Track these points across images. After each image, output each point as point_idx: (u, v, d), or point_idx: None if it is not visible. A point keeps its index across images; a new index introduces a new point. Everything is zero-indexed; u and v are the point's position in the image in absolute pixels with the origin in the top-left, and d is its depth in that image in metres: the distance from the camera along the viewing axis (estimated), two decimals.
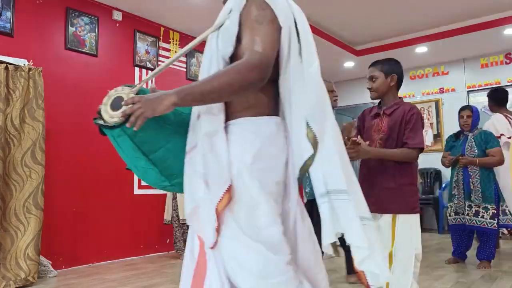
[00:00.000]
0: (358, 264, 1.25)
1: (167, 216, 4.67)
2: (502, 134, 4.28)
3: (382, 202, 2.21)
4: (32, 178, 3.52)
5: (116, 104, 1.19)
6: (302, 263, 1.28)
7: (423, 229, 6.74)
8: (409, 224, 2.21)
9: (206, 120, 1.26)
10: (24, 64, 3.65)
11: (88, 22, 4.52)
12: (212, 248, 1.22)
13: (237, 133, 1.27)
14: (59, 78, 4.18)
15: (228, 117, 1.29)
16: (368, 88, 2.39)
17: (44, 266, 3.74)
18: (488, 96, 4.72)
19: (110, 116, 1.18)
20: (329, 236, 1.24)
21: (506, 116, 4.45)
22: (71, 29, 4.36)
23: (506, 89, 6.59)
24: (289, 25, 1.28)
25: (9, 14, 3.89)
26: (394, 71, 2.34)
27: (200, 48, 6.57)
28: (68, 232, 4.14)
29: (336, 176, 1.25)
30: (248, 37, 1.22)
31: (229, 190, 1.19)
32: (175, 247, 4.67)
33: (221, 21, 1.31)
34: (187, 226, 4.65)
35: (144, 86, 1.33)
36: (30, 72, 3.63)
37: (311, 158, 1.25)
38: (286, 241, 1.22)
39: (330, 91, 3.36)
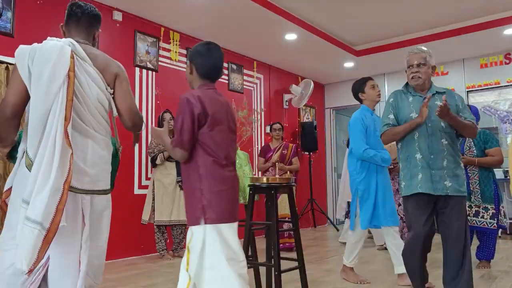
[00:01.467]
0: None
1: (145, 216, 4.61)
2: None
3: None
4: None
5: None
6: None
7: None
8: (200, 238, 1.75)
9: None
10: None
11: None
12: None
13: None
14: None
15: None
16: None
17: None
18: None
19: None
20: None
21: None
22: None
23: (506, 89, 6.66)
24: (27, 65, 1.72)
25: (9, 14, 3.89)
26: (190, 58, 1.93)
27: None
28: None
29: (36, 208, 1.52)
30: None
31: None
32: (157, 248, 4.67)
33: None
34: (165, 227, 4.66)
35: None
36: None
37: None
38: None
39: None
